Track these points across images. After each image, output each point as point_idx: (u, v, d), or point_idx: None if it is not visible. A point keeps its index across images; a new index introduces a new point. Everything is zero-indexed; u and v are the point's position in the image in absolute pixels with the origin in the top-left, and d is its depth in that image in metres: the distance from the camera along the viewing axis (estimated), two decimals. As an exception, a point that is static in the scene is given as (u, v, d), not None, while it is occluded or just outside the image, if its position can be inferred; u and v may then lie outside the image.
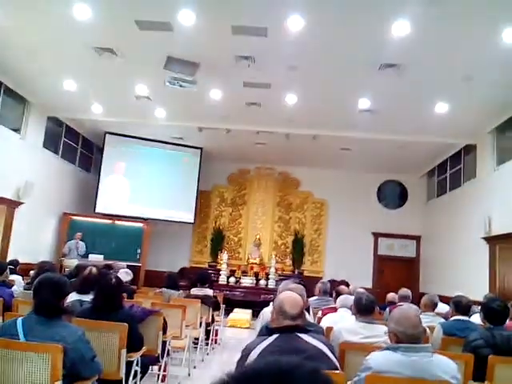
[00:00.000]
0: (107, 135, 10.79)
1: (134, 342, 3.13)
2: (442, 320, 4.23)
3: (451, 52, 5.75)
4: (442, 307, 5.85)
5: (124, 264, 8.95)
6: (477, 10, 4.87)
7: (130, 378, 3.15)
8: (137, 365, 3.24)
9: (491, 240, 7.93)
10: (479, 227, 8.19)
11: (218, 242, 11.94)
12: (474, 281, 8.26)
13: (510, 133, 7.74)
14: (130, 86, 7.74)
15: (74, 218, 10.36)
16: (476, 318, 4.17)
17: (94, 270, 3.73)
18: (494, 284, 7.66)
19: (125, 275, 5.17)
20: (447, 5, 4.81)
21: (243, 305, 9.86)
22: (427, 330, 3.59)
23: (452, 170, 10.22)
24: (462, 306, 3.71)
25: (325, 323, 3.77)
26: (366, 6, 4.98)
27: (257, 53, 6.20)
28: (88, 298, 3.45)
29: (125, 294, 4.41)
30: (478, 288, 7.65)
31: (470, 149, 9.27)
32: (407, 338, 2.15)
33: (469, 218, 8.84)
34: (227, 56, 6.34)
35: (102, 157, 10.85)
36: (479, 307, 4.41)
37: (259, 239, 11.72)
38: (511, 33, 5.15)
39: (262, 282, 10.79)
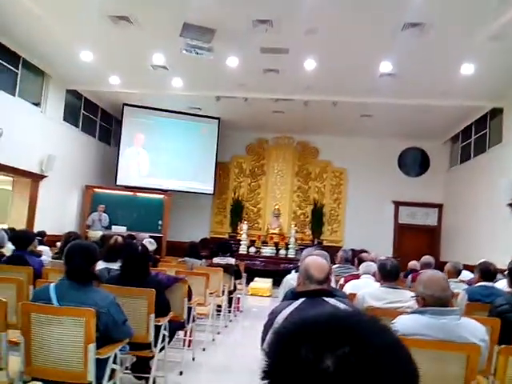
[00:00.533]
0: (125, 107, 10.79)
1: (162, 307, 3.21)
2: (466, 286, 4.20)
3: (477, 10, 5.46)
4: (465, 274, 5.80)
5: (147, 235, 9.15)
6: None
7: (159, 341, 3.24)
8: (164, 329, 3.33)
9: (517, 206, 7.75)
10: (504, 194, 7.99)
11: (238, 212, 12.02)
12: (498, 249, 8.13)
13: (540, 95, 7.42)
14: (147, 56, 7.65)
15: (96, 190, 10.53)
16: (501, 285, 4.12)
17: (120, 239, 3.80)
18: (519, 251, 7.52)
19: (149, 244, 5.25)
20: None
21: (264, 274, 9.99)
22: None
23: (477, 135, 9.91)
24: (488, 273, 3.66)
25: (348, 289, 3.79)
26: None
27: (275, 16, 6.01)
28: (115, 266, 3.52)
29: (150, 263, 4.52)
30: (503, 256, 7.54)
31: (496, 112, 8.94)
32: (435, 301, 2.13)
33: (493, 185, 8.61)
34: (244, 21, 6.17)
35: (121, 129, 10.91)
36: (505, 274, 4.36)
37: (278, 209, 11.74)
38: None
39: (282, 252, 10.88)
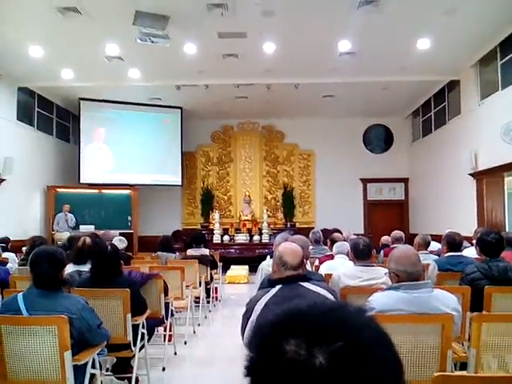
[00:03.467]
0: (82, 102, 10.40)
1: (138, 306, 3.15)
2: (436, 257, 4.34)
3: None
4: (434, 245, 6.00)
5: (117, 232, 8.95)
6: None
7: (138, 340, 3.19)
8: (143, 328, 3.28)
9: (478, 175, 8.05)
10: (466, 164, 8.27)
11: (208, 202, 11.92)
12: (462, 217, 8.45)
13: (493, 65, 7.65)
14: (100, 47, 7.35)
15: (59, 190, 10.17)
16: (467, 252, 4.28)
17: (88, 239, 3.67)
18: (482, 219, 7.85)
19: (119, 243, 5.14)
20: None
21: (239, 261, 10.01)
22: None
23: (436, 108, 10.18)
24: (454, 243, 3.78)
25: (323, 270, 3.83)
26: None
27: (229, -1, 5.89)
28: (86, 268, 3.42)
29: (122, 262, 4.41)
30: (467, 224, 7.85)
31: (453, 85, 9.19)
32: (408, 276, 2.18)
33: (455, 156, 8.91)
34: (198, 5, 6.00)
35: (79, 125, 10.52)
36: (471, 242, 4.52)
37: (249, 196, 11.73)
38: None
39: (256, 238, 10.91)
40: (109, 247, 3.10)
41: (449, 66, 8.38)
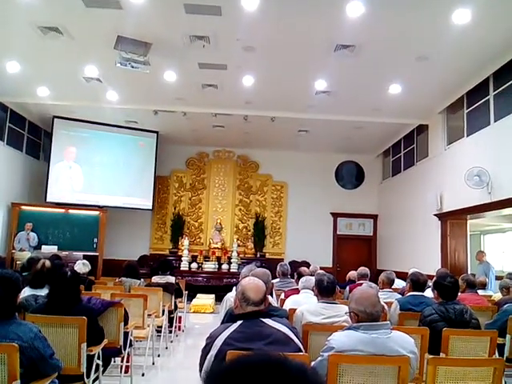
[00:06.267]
0: (56, 119, 10.25)
1: (94, 335, 3.05)
2: (399, 296, 4.41)
3: (404, 33, 5.85)
4: (399, 283, 6.11)
5: (80, 254, 8.69)
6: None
7: (92, 372, 3.06)
8: (98, 358, 3.15)
9: (442, 216, 8.32)
10: (431, 205, 8.55)
11: (179, 227, 11.79)
12: (427, 256, 8.66)
13: (460, 113, 8.06)
14: (79, 68, 7.34)
15: (24, 208, 9.85)
16: (430, 293, 4.37)
17: (48, 263, 3.56)
18: (445, 259, 8.07)
19: (82, 267, 5.00)
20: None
21: (206, 290, 9.85)
22: (385, 307, 3.73)
23: (406, 149, 10.56)
24: (418, 283, 3.86)
25: (288, 305, 3.82)
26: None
27: (211, 33, 6.04)
28: (43, 292, 3.30)
29: (82, 286, 4.27)
30: (431, 263, 8.04)
31: (422, 129, 9.59)
32: (367, 316, 2.21)
33: (422, 196, 9.20)
34: (181, 36, 6.13)
35: (51, 143, 10.33)
36: (433, 281, 4.61)
37: (220, 223, 11.68)
38: (460, 15, 5.30)
39: (225, 267, 10.79)
40: (69, 272, 3.00)
41: (418, 111, 8.77)
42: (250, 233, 12.06)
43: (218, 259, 10.95)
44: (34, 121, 10.54)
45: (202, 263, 10.88)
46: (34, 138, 10.81)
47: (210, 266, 10.76)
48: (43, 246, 9.16)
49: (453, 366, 2.29)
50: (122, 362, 4.08)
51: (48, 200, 10.14)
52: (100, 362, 3.19)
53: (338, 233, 12.36)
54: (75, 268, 4.70)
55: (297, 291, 4.31)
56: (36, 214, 9.83)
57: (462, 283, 4.46)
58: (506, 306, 3.98)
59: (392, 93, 7.77)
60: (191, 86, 7.96)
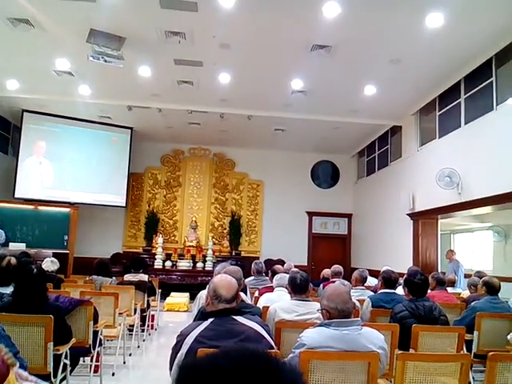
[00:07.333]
0: (25, 113, 9.94)
1: (62, 334, 2.96)
2: (371, 293, 4.47)
3: (378, 35, 5.94)
4: (371, 280, 6.20)
5: (50, 252, 8.44)
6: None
7: (59, 371, 2.98)
8: (65, 357, 3.07)
9: (414, 216, 8.50)
10: (404, 204, 8.72)
11: (153, 225, 11.63)
12: (400, 255, 8.83)
13: (432, 115, 8.25)
14: (50, 61, 7.13)
15: (-9, 204, 9.51)
16: (401, 290, 4.45)
17: (13, 260, 3.43)
18: (417, 257, 8.25)
19: (50, 264, 4.85)
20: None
21: (181, 288, 9.75)
22: (357, 304, 3.77)
23: (380, 150, 10.74)
24: (389, 280, 3.93)
25: (262, 302, 3.81)
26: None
27: (187, 29, 5.97)
28: (8, 290, 3.19)
29: (50, 284, 4.15)
30: (403, 261, 8.20)
31: (396, 130, 9.77)
32: (339, 313, 2.22)
33: (395, 196, 9.38)
34: (156, 31, 6.04)
35: (20, 137, 10.00)
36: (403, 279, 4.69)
37: (195, 221, 11.58)
38: (433, 18, 5.41)
39: (200, 265, 10.71)
40: (35, 270, 2.90)
41: (392, 113, 8.93)
42: (225, 231, 12.02)
43: (193, 257, 10.86)
44: (3, 114, 10.18)
45: (176, 261, 10.77)
46: (2, 132, 10.44)
47: (184, 265, 10.66)
48: (11, 243, 8.86)
49: (421, 361, 2.32)
50: (91, 361, 3.99)
51: (16, 196, 9.82)
52: (68, 362, 3.11)
53: (313, 231, 12.46)
54: (43, 266, 4.56)
55: (271, 289, 4.30)
56: (3, 210, 9.49)
57: (432, 281, 4.56)
58: (473, 303, 4.09)
59: (367, 94, 7.88)
60: (166, 82, 7.85)
